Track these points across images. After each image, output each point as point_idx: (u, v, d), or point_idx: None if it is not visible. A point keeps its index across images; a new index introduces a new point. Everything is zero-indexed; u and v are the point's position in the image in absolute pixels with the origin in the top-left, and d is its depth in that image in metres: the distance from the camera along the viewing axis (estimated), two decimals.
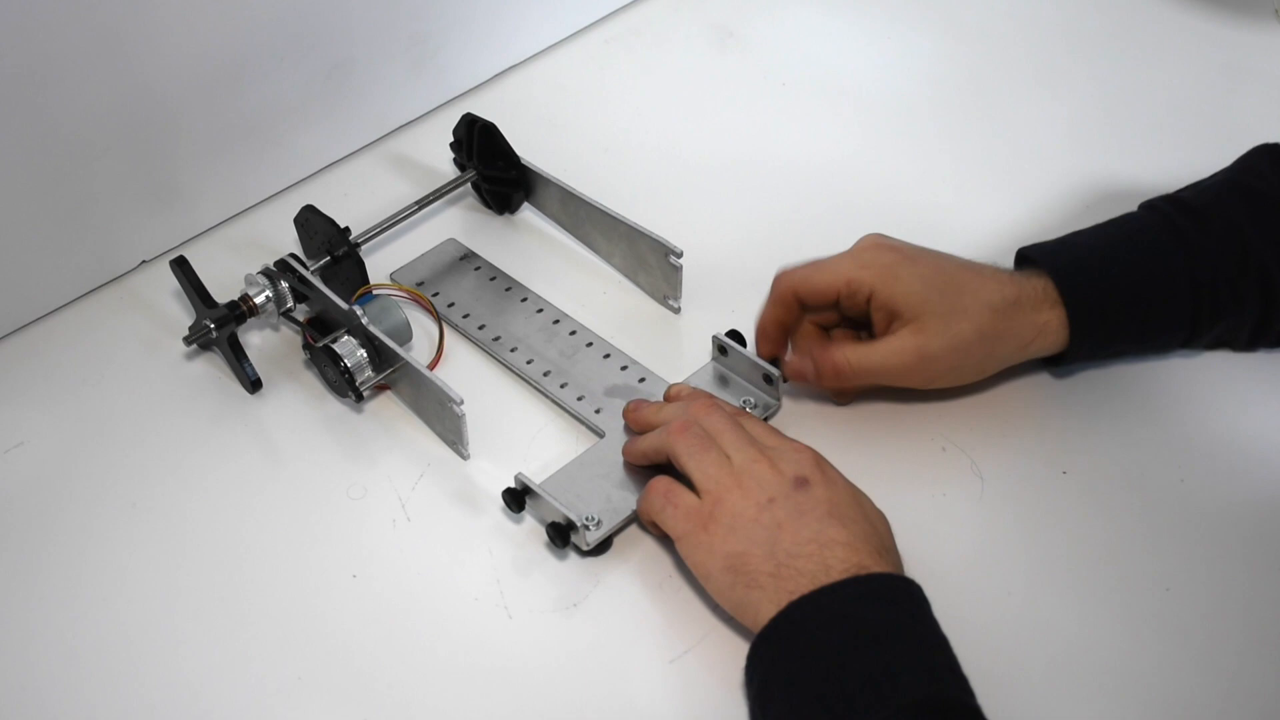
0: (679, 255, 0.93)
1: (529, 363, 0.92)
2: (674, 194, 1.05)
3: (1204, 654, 0.77)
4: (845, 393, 0.89)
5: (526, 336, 0.94)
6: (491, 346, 0.94)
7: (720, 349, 0.90)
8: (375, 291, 0.95)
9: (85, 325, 0.98)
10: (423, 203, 1.00)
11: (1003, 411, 0.89)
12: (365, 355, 0.88)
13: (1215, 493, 0.84)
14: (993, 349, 0.85)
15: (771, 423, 0.89)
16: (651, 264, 0.95)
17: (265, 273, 0.92)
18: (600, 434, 0.87)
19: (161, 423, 0.91)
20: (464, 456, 0.87)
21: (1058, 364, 0.89)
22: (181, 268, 0.91)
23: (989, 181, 1.05)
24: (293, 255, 0.92)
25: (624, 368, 0.91)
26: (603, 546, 0.82)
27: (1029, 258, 0.87)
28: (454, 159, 1.04)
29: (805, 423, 0.89)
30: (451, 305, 0.97)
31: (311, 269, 0.92)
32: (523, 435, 0.89)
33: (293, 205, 0.97)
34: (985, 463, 0.86)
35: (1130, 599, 0.80)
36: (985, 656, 0.75)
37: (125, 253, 1.00)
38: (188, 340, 0.92)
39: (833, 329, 0.90)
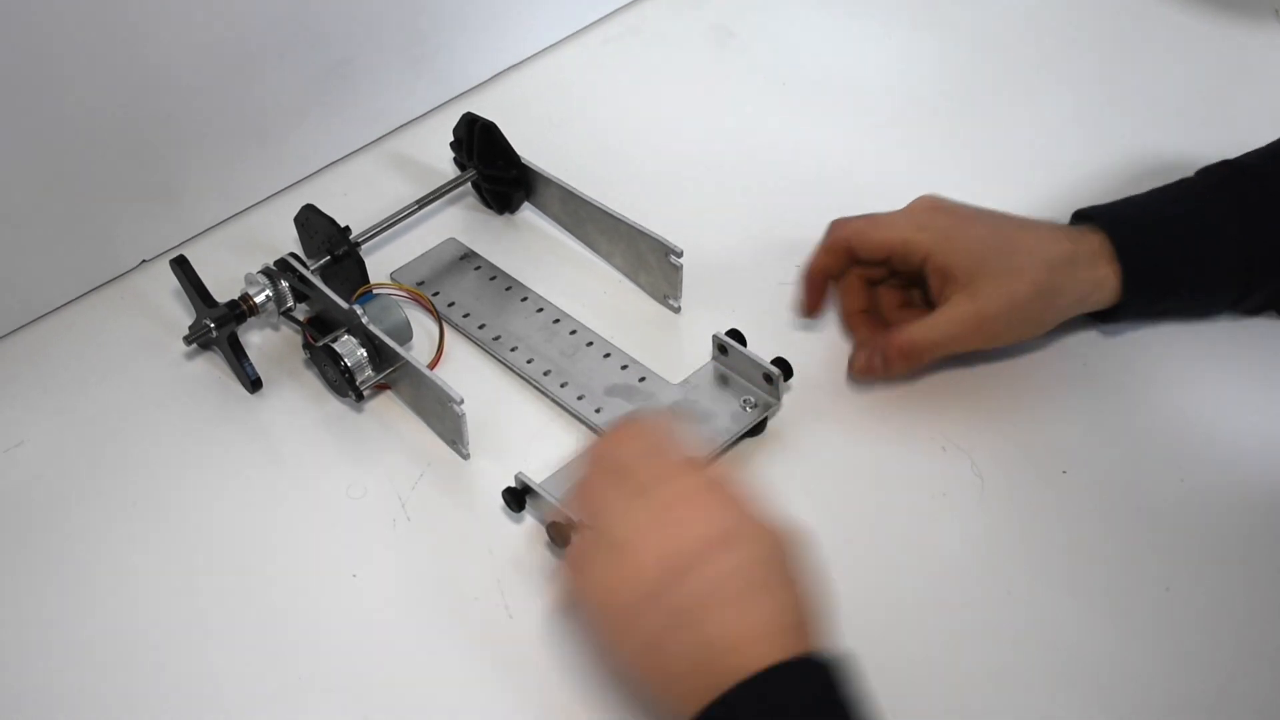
0: (679, 255, 0.93)
1: (529, 362, 0.93)
2: (674, 193, 1.05)
3: (1204, 654, 0.77)
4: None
5: (527, 336, 0.94)
6: (492, 346, 0.94)
7: (720, 348, 0.90)
8: (375, 291, 0.95)
9: (86, 324, 0.98)
10: (423, 202, 1.00)
11: (1003, 411, 0.89)
12: (365, 355, 0.88)
13: (1216, 492, 0.84)
14: (1049, 304, 0.86)
15: (771, 423, 0.89)
16: (651, 264, 0.95)
17: (265, 272, 0.92)
18: (601, 433, 0.87)
19: (162, 422, 0.91)
20: (464, 456, 0.88)
21: (1109, 320, 0.90)
22: (181, 267, 0.91)
23: (990, 180, 1.05)
24: (293, 254, 0.92)
25: (624, 367, 0.92)
26: None
27: (1085, 216, 0.89)
28: (454, 158, 1.05)
29: (804, 423, 0.89)
30: (452, 305, 0.97)
31: (312, 268, 0.92)
32: (523, 434, 0.89)
33: (293, 205, 0.97)
34: (985, 462, 0.86)
35: (1130, 599, 0.80)
36: (985, 656, 0.77)
37: (126, 251, 1.01)
38: (188, 340, 0.92)
39: (880, 284, 0.92)
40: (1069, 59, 1.18)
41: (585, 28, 1.22)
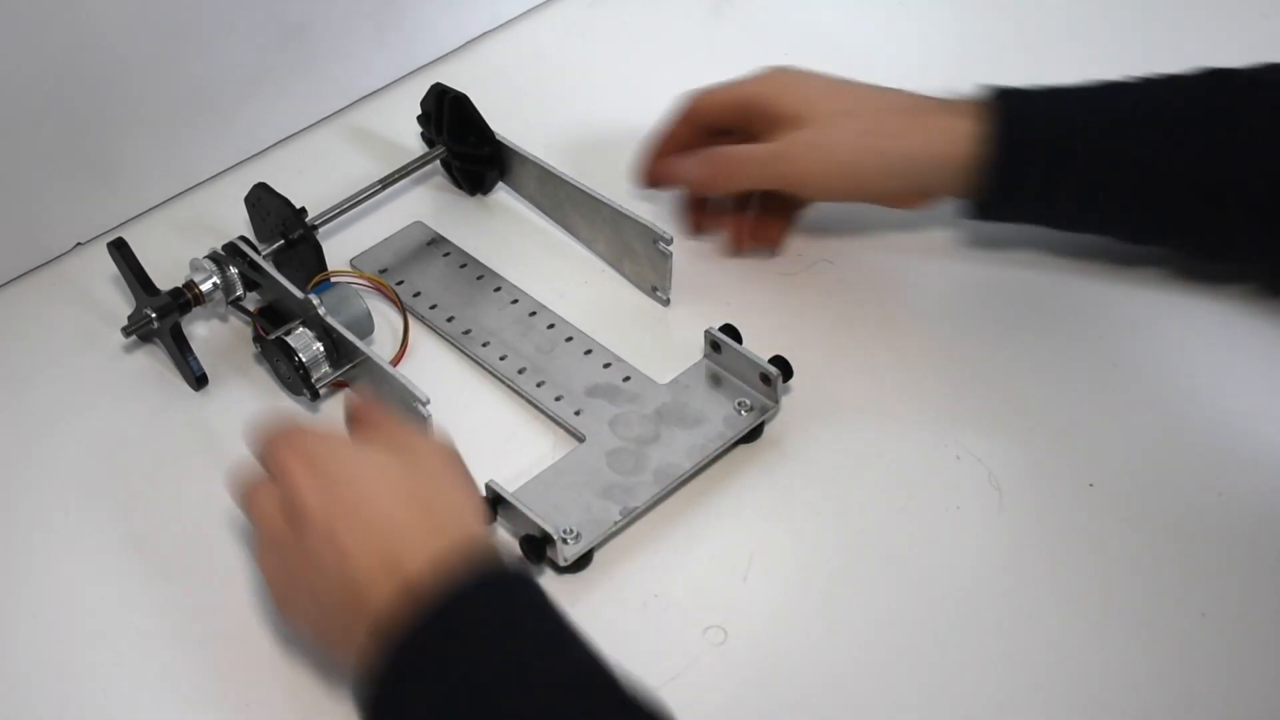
0: (669, 242, 0.91)
1: (502, 359, 0.91)
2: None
3: (1243, 686, 0.76)
4: (772, 239, 0.95)
5: (500, 330, 0.93)
6: (461, 340, 0.93)
7: (714, 345, 0.89)
8: (333, 279, 0.93)
9: (14, 313, 0.97)
10: (386, 181, 0.98)
11: (1023, 417, 0.88)
12: (322, 349, 0.86)
13: (1257, 506, 0.83)
14: (883, 144, 0.88)
15: (769, 428, 0.88)
16: (638, 251, 0.94)
17: (212, 257, 0.89)
18: (580, 438, 0.86)
19: (98, 421, 0.90)
20: None
21: (983, 211, 0.89)
22: (120, 250, 0.89)
23: None
24: (243, 238, 0.89)
25: (607, 365, 0.90)
26: (582, 562, 0.81)
27: None
28: (421, 133, 1.03)
29: (806, 429, 0.88)
30: (418, 295, 0.96)
31: (263, 253, 0.90)
32: (495, 438, 0.88)
33: (244, 183, 0.95)
34: (1004, 473, 0.85)
35: (1162, 624, 0.79)
36: (1003, 684, 0.76)
37: (59, 234, 1.00)
38: (126, 331, 0.90)
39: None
40: (1093, 28, 1.18)
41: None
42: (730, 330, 0.88)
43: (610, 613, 0.79)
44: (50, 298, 0.97)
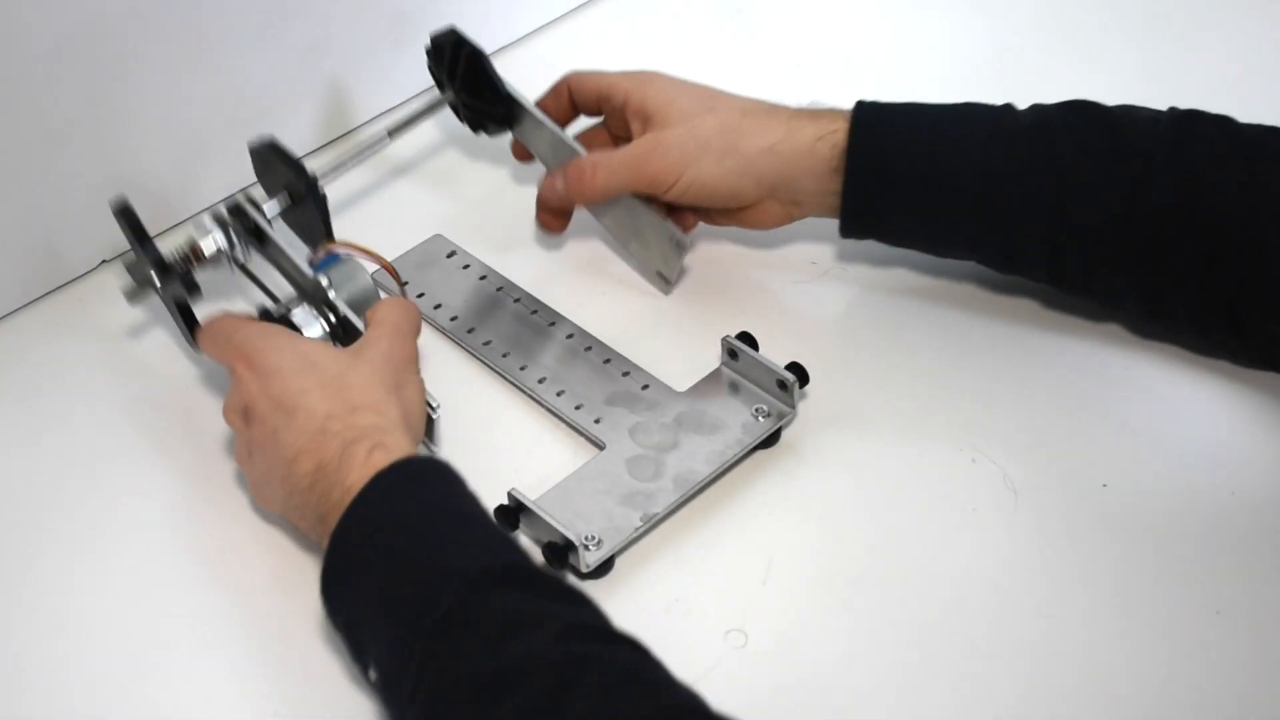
0: (686, 244, 0.92)
1: (523, 369, 0.92)
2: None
3: (1258, 683, 0.76)
4: (557, 218, 0.97)
5: (520, 340, 0.93)
6: (482, 351, 0.93)
7: (730, 353, 0.89)
8: (338, 251, 0.89)
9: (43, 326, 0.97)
10: (395, 131, 0.97)
11: (1038, 420, 0.89)
12: (326, 330, 0.84)
13: (1269, 507, 0.83)
14: (736, 142, 0.88)
15: (787, 433, 0.88)
16: (648, 237, 0.94)
17: (215, 216, 0.88)
18: (600, 445, 0.87)
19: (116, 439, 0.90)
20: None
21: (842, 228, 0.90)
22: (123, 213, 0.85)
23: None
24: (249, 198, 0.88)
25: (626, 374, 0.91)
26: (604, 568, 0.81)
27: None
28: (429, 65, 0.99)
29: (823, 433, 0.88)
30: (439, 307, 0.96)
31: (269, 214, 0.88)
32: (516, 447, 0.88)
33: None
34: (1019, 475, 0.86)
35: (1178, 623, 0.79)
36: (1020, 683, 0.77)
37: (85, 252, 1.00)
38: (130, 295, 0.87)
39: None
40: (1105, 37, 1.18)
41: (584, 4, 1.22)
42: (747, 338, 0.88)
43: (632, 617, 0.76)
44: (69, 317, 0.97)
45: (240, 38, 0.99)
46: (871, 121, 0.87)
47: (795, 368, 0.87)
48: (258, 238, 0.88)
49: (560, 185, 0.92)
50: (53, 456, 0.89)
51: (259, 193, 0.93)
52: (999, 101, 0.89)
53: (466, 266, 0.99)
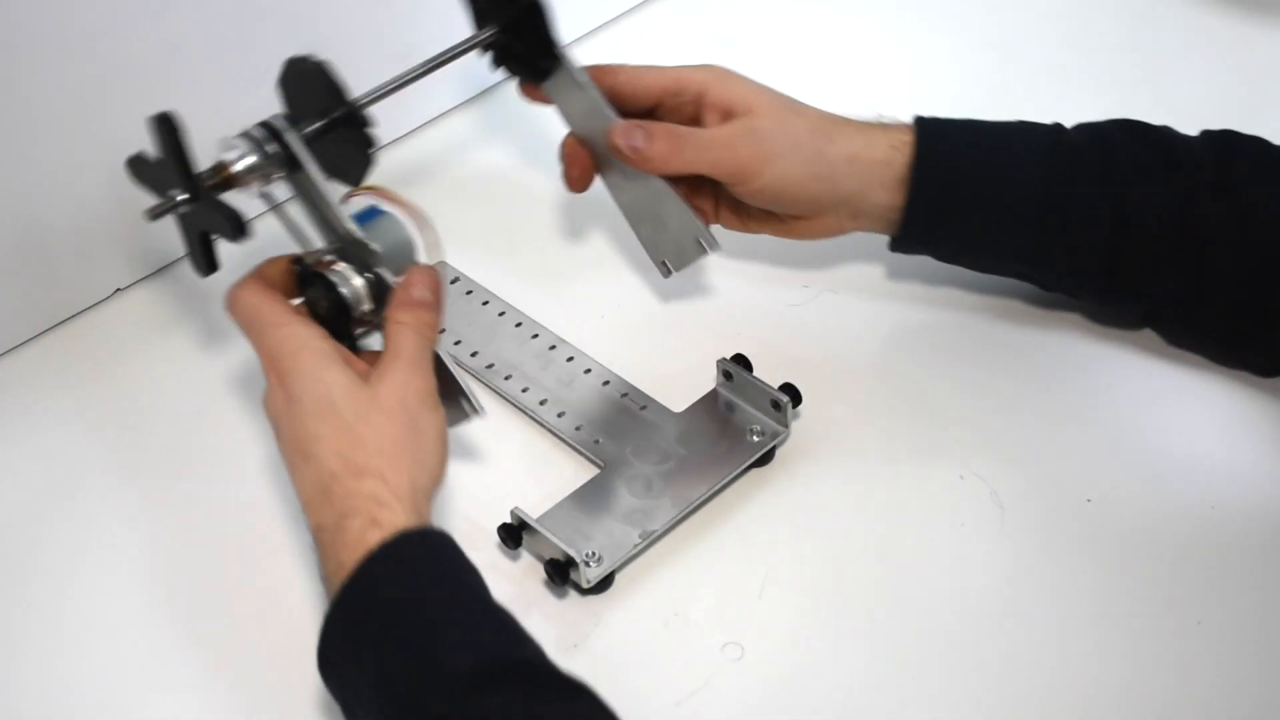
0: (712, 246, 0.91)
1: (524, 391, 0.92)
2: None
3: (1239, 694, 0.77)
4: (583, 178, 0.91)
5: (521, 363, 0.94)
6: (485, 375, 0.94)
7: (726, 374, 0.90)
8: (376, 202, 0.81)
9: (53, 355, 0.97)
10: (435, 63, 0.88)
11: (1024, 436, 0.89)
12: (363, 288, 0.77)
13: (1251, 520, 0.84)
14: (823, 146, 0.85)
15: (780, 452, 0.89)
16: (668, 225, 0.91)
17: (248, 136, 0.77)
18: (600, 465, 0.88)
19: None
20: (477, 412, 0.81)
21: (898, 243, 0.90)
22: (164, 125, 0.74)
23: None
24: (283, 117, 0.78)
25: (624, 395, 0.91)
26: (604, 584, 0.82)
27: None
28: (472, 5, 0.90)
29: (816, 453, 0.89)
30: (443, 332, 0.94)
31: (303, 130, 0.78)
32: (519, 467, 0.89)
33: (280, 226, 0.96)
34: (1005, 491, 0.86)
35: (1161, 635, 0.79)
36: (1010, 694, 0.77)
37: (99, 281, 1.00)
38: (152, 213, 0.78)
39: None
40: (1084, 63, 1.18)
41: (581, 37, 1.21)
42: (741, 360, 0.89)
43: (631, 631, 0.80)
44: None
45: (248, 70, 0.95)
46: (936, 134, 0.87)
47: (788, 388, 0.87)
48: (290, 167, 0.78)
49: (641, 142, 0.85)
50: (38, 489, 0.90)
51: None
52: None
53: (470, 292, 0.99)
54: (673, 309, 0.99)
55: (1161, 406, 0.91)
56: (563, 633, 0.80)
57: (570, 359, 0.94)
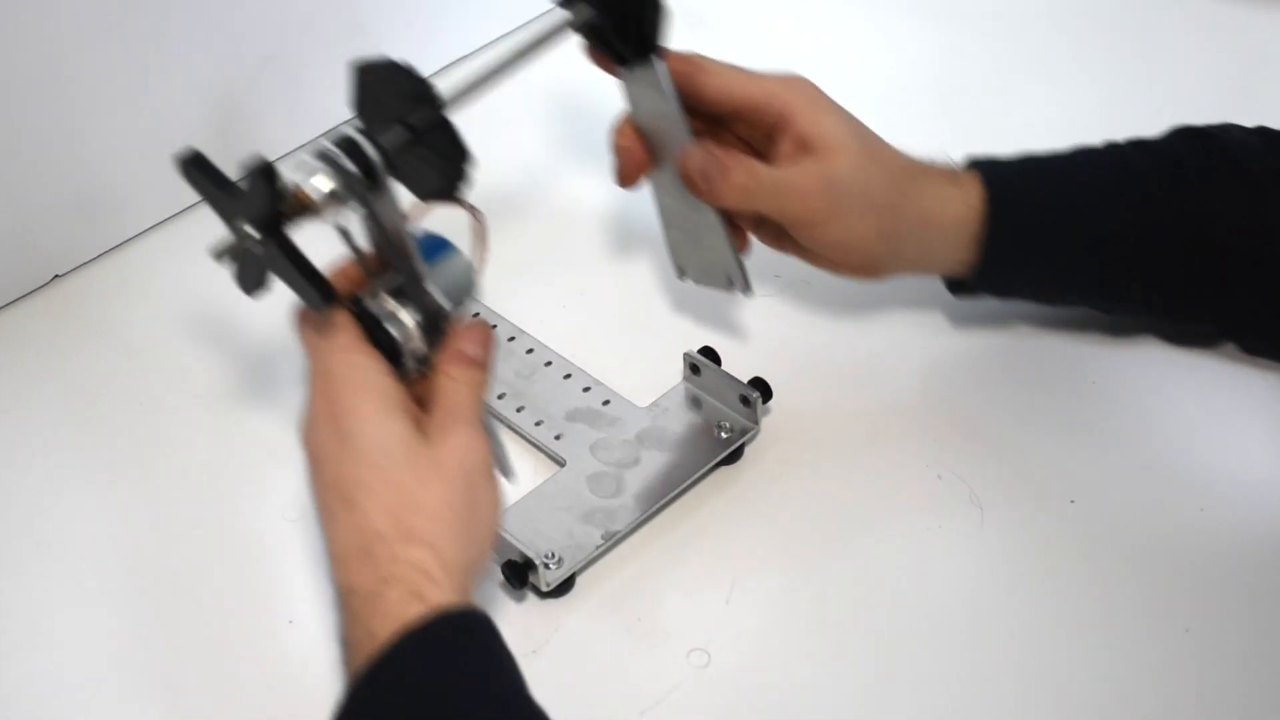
0: (743, 291, 0.88)
1: None
2: (638, 195, 1.03)
3: (1228, 702, 0.76)
4: (635, 175, 0.85)
5: None
6: None
7: (693, 367, 0.89)
8: (439, 236, 0.74)
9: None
10: (523, 51, 0.79)
11: (1004, 435, 0.89)
12: (415, 329, 0.72)
13: (1240, 523, 0.84)
14: (897, 205, 0.83)
15: (750, 449, 0.88)
16: (704, 244, 0.88)
17: (323, 154, 0.68)
18: (561, 462, 0.87)
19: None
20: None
21: (963, 289, 0.88)
22: (197, 165, 0.68)
23: None
24: (361, 130, 0.69)
25: (586, 389, 0.91)
26: (564, 587, 0.81)
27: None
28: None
29: (787, 451, 0.88)
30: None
31: (388, 145, 0.69)
32: None
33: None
34: (985, 491, 0.86)
35: (1146, 641, 0.79)
36: (988, 699, 0.77)
37: (37, 266, 1.00)
38: (218, 254, 0.70)
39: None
40: (1069, 46, 1.19)
41: (540, 15, 1.19)
42: (709, 353, 0.88)
43: (593, 637, 0.79)
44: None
45: (197, 49, 0.99)
46: (1004, 184, 0.85)
47: (758, 383, 0.87)
48: (370, 188, 0.69)
49: (715, 177, 0.81)
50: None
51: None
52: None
53: None
54: (639, 299, 0.98)
55: (1149, 404, 0.90)
56: (520, 638, 0.79)
57: (530, 351, 0.93)
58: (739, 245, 0.87)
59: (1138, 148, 0.88)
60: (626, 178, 0.85)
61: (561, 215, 1.03)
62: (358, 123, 0.70)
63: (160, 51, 0.97)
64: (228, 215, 0.68)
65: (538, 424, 0.88)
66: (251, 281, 0.69)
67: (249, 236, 0.67)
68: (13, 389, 0.94)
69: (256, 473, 0.88)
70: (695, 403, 0.89)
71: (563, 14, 0.80)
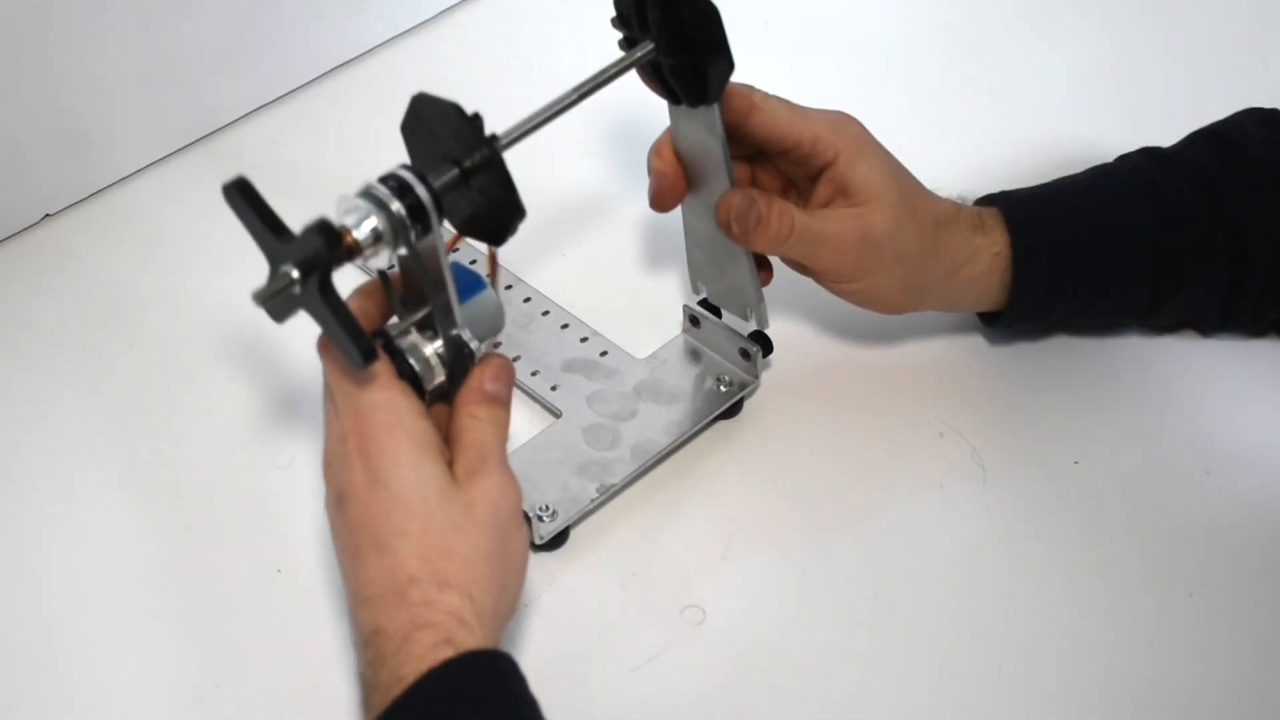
0: (759, 324, 0.86)
1: None
2: (641, 145, 1.02)
3: (1230, 667, 0.77)
4: (669, 202, 0.83)
5: None
6: None
7: (692, 320, 0.89)
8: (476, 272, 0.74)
9: None
10: (584, 90, 0.77)
11: (1007, 393, 0.89)
12: (437, 363, 0.71)
13: (1245, 486, 0.84)
14: (927, 261, 0.83)
15: (749, 404, 0.88)
16: (727, 278, 0.86)
17: (369, 194, 0.66)
18: (556, 414, 0.86)
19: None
20: None
21: (995, 322, 0.88)
22: (242, 193, 0.65)
23: (986, 141, 1.04)
24: (412, 170, 0.67)
25: (584, 340, 0.90)
26: (558, 540, 0.81)
27: (986, 201, 0.87)
28: (620, 40, 0.80)
29: (786, 405, 0.88)
30: (392, 268, 0.93)
31: (436, 183, 0.67)
32: None
33: (217, 153, 0.97)
34: (988, 451, 0.85)
35: (1149, 605, 0.79)
36: (987, 668, 0.77)
37: (29, 206, 1.00)
38: (262, 298, 0.66)
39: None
40: (1072, 8, 1.17)
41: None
42: (710, 305, 0.88)
43: (587, 592, 0.80)
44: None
45: None
46: (1028, 227, 0.84)
47: (759, 336, 0.86)
48: (415, 229, 0.67)
49: (752, 229, 0.80)
50: None
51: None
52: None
53: None
54: (639, 249, 0.97)
55: (1155, 364, 0.90)
56: None
57: (527, 300, 0.93)
58: (763, 280, 0.86)
59: (1161, 160, 0.86)
60: (661, 203, 0.84)
61: (566, 160, 1.02)
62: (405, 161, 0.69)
63: None
64: (271, 253, 0.66)
65: (534, 374, 0.88)
66: (284, 313, 0.67)
67: (291, 279, 0.64)
68: (3, 328, 0.94)
69: (247, 420, 0.88)
70: (694, 355, 0.88)
71: (625, 55, 0.78)
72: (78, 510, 0.84)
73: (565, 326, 0.91)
